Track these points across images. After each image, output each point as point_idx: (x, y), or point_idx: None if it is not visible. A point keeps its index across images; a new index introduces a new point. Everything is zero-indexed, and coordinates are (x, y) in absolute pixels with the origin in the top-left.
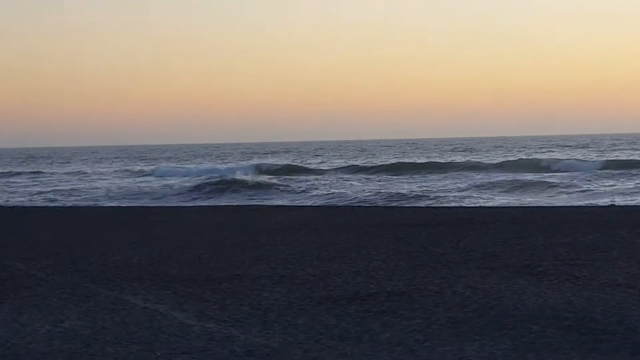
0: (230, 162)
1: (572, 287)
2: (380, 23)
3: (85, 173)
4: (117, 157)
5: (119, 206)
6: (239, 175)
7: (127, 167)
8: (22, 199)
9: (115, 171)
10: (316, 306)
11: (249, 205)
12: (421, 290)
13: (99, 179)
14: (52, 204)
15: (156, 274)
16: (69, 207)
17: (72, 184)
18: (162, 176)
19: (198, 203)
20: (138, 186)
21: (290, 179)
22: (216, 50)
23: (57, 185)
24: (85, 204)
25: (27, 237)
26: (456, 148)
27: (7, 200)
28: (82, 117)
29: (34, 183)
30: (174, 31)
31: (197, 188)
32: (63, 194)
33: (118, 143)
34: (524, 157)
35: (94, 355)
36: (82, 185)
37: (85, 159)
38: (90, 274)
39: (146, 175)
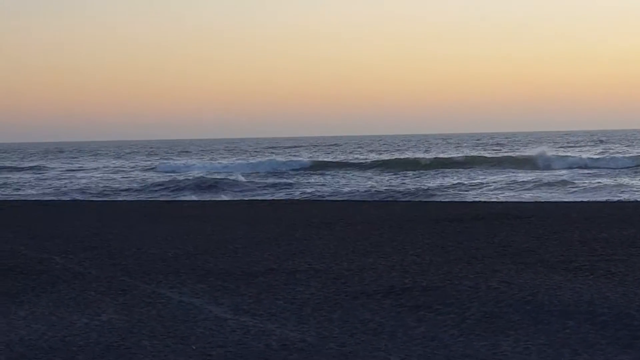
0: (248, 158)
1: (607, 283)
2: (408, 17)
3: (87, 169)
4: (131, 152)
5: (154, 200)
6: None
7: (135, 163)
8: (45, 191)
9: (116, 166)
10: (351, 300)
11: (284, 200)
12: (456, 285)
13: (101, 174)
14: (81, 198)
15: (192, 267)
16: (103, 201)
17: (66, 180)
18: (164, 171)
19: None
20: (125, 180)
21: (319, 174)
22: (249, 45)
23: (58, 179)
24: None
25: (64, 231)
26: (485, 143)
27: (43, 194)
28: (109, 112)
29: (64, 177)
30: (197, 26)
31: (183, 184)
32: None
33: (146, 138)
34: (555, 152)
35: (130, 349)
36: (81, 181)
37: (94, 154)
38: (127, 268)
39: (149, 170)
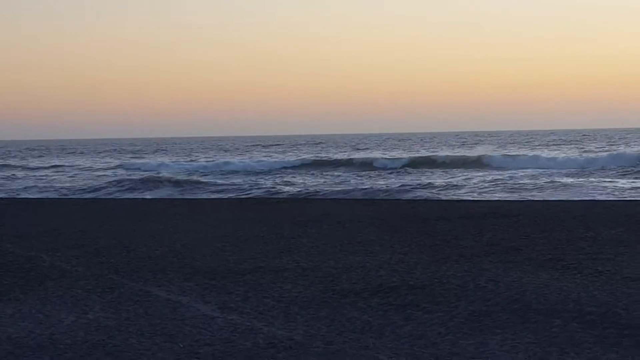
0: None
1: (595, 281)
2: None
3: (59, 166)
4: (110, 150)
5: (141, 198)
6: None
7: (104, 161)
8: (32, 188)
9: (84, 165)
10: (339, 299)
11: (271, 198)
12: (444, 283)
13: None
14: (65, 197)
15: (179, 265)
16: (90, 199)
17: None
18: (127, 170)
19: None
20: (88, 178)
21: (304, 172)
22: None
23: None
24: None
25: (51, 229)
26: (470, 142)
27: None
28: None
29: (51, 175)
30: (197, 27)
31: (126, 182)
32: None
33: (133, 136)
34: (546, 151)
35: (117, 346)
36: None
37: (67, 153)
38: (114, 266)
39: (114, 168)
